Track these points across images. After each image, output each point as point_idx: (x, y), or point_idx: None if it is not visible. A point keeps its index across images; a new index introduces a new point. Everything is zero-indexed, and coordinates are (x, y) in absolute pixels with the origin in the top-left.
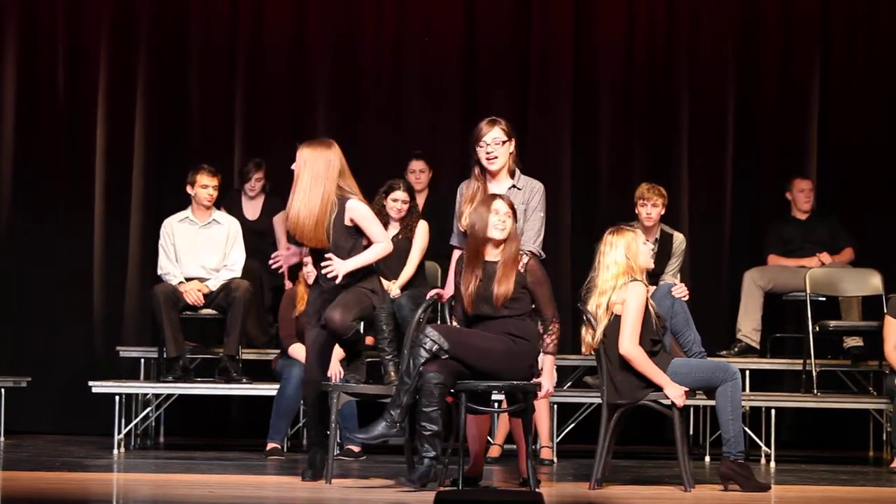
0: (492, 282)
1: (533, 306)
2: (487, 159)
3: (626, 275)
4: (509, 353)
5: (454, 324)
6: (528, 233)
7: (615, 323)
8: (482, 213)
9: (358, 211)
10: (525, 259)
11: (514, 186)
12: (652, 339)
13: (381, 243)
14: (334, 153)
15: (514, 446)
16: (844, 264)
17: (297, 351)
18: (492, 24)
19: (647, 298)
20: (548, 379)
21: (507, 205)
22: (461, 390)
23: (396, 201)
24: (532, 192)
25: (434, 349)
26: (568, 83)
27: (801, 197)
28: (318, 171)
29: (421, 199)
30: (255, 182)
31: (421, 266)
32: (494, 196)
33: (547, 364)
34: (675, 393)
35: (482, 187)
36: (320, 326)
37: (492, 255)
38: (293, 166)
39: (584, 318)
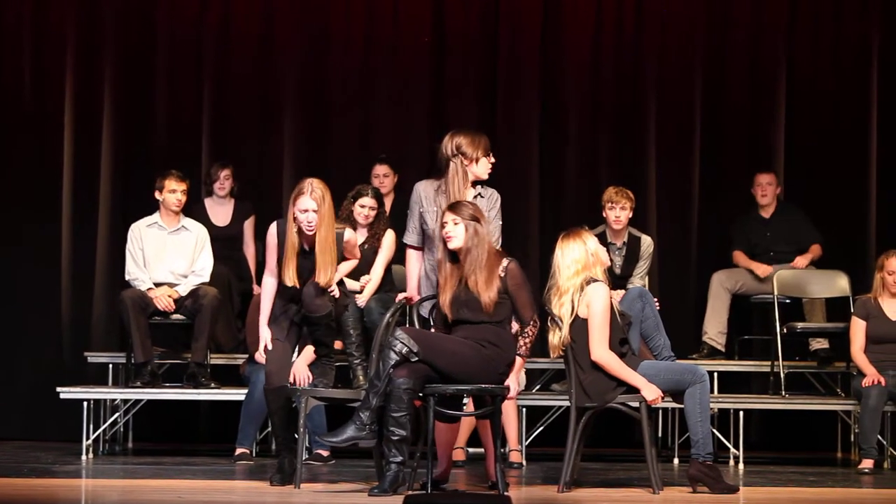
0: (469, 287)
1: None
2: (490, 171)
3: (584, 271)
4: (479, 357)
5: (433, 329)
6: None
7: (581, 325)
8: (440, 223)
9: (351, 242)
10: (505, 262)
11: (479, 195)
12: (619, 340)
13: (355, 260)
14: None
15: (479, 449)
16: (812, 264)
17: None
18: (460, 27)
19: (611, 298)
20: (514, 381)
21: (457, 213)
22: (429, 394)
23: (364, 207)
24: (492, 200)
25: (404, 352)
26: (535, 85)
27: (759, 191)
28: (331, 209)
29: (387, 203)
30: (224, 180)
31: (389, 270)
32: (451, 205)
33: (515, 366)
34: (651, 394)
35: (460, 193)
36: (290, 321)
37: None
38: (314, 208)
39: (549, 320)
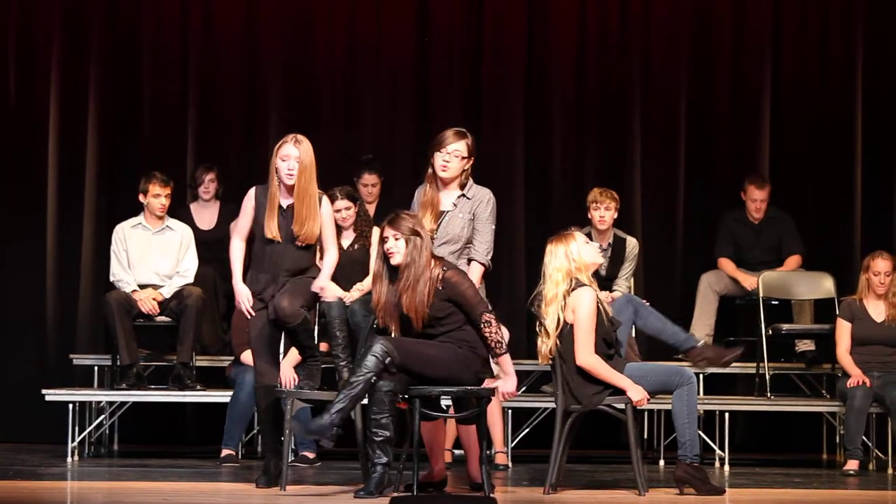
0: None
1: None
2: (442, 167)
3: (568, 278)
4: (455, 359)
5: None
6: (481, 245)
7: (569, 330)
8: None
9: (328, 209)
10: (439, 273)
11: (463, 196)
12: (606, 342)
13: (334, 250)
14: None
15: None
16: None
17: (250, 357)
18: (444, 28)
19: (597, 302)
20: (509, 380)
21: (397, 228)
22: (415, 396)
23: (339, 211)
24: (480, 202)
25: (386, 361)
26: (520, 87)
27: (752, 207)
28: (313, 166)
29: (372, 207)
30: (209, 183)
31: None
32: (390, 220)
33: (504, 365)
34: (638, 395)
35: (434, 193)
36: (269, 320)
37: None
38: (295, 156)
39: (538, 325)
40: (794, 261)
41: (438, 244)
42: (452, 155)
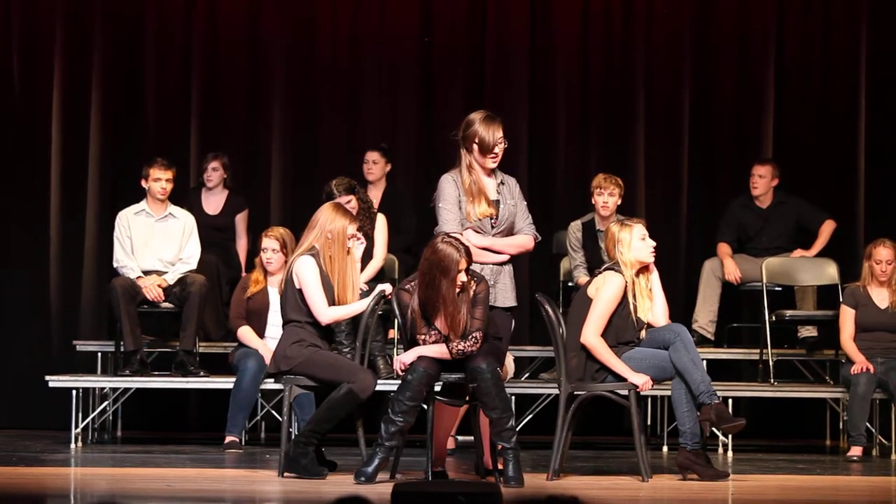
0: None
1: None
2: (495, 158)
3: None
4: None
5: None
6: (524, 222)
7: (582, 304)
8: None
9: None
10: (474, 286)
11: (502, 183)
12: (619, 340)
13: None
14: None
15: (468, 437)
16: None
17: (245, 333)
18: (447, 19)
19: (624, 294)
20: (411, 355)
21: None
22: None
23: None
24: (513, 185)
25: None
26: (524, 76)
27: (758, 183)
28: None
29: (378, 192)
30: (212, 171)
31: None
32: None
33: (431, 349)
34: (639, 381)
35: (479, 181)
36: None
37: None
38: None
39: (544, 312)
40: (828, 227)
41: (495, 232)
42: (503, 144)
